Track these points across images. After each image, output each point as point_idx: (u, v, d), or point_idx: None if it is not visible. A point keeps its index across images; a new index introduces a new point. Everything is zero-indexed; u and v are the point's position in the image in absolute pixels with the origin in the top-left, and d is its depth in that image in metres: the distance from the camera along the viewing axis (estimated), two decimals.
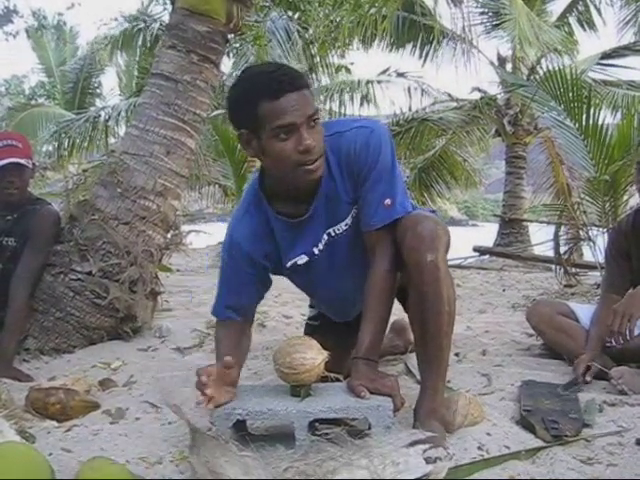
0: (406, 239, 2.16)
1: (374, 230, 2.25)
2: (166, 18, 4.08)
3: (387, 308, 2.30)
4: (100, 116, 13.16)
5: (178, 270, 8.28)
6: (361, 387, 2.07)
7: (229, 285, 2.41)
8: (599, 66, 12.74)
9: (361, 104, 14.36)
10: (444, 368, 2.21)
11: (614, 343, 2.84)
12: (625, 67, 12.80)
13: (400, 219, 2.24)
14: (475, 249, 10.96)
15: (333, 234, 2.32)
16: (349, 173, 2.24)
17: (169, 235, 3.90)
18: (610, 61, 12.83)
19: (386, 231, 2.24)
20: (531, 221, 12.98)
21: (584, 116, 6.14)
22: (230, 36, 4.08)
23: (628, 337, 2.75)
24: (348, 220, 2.31)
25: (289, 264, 2.39)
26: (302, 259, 2.37)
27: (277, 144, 2.07)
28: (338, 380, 2.12)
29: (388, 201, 2.22)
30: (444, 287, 2.14)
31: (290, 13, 11.03)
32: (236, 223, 2.37)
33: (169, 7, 4.00)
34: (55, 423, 2.36)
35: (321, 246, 2.34)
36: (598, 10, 13.81)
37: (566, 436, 2.10)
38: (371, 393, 2.07)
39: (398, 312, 2.74)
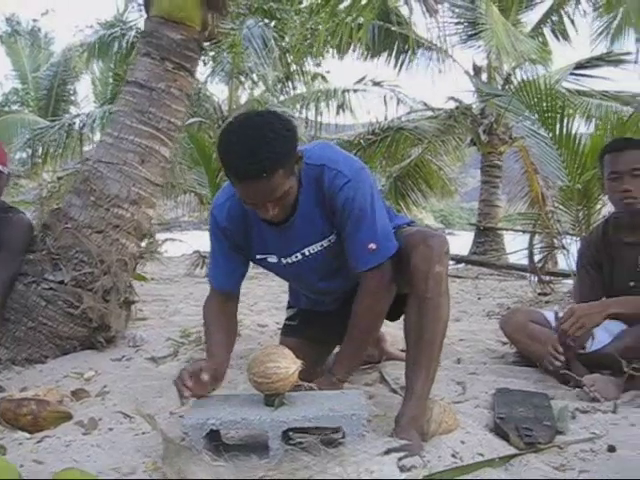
0: (418, 249, 2.27)
1: (359, 271, 2.36)
2: (142, 25, 4.06)
3: (369, 335, 2.50)
4: (75, 123, 13.12)
5: (153, 279, 8.22)
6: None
7: (216, 257, 2.52)
8: (573, 76, 12.90)
9: (337, 112, 14.44)
10: (431, 378, 2.26)
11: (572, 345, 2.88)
12: (598, 77, 12.96)
13: (411, 234, 2.39)
14: (451, 257, 10.98)
15: (307, 253, 2.42)
16: (326, 207, 2.32)
17: (143, 244, 3.88)
18: (584, 71, 12.98)
19: (373, 271, 2.34)
20: (506, 230, 13.06)
21: (558, 126, 6.19)
22: (205, 44, 4.07)
23: (575, 343, 2.79)
24: (324, 242, 2.40)
25: (258, 257, 2.50)
26: (272, 258, 2.49)
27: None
28: (312, 389, 2.13)
29: (373, 246, 2.30)
30: (444, 299, 2.27)
31: (266, 21, 11.04)
32: (218, 204, 2.45)
33: (145, 14, 3.97)
34: (26, 434, 2.33)
35: (291, 260, 2.45)
36: (572, 21, 14.01)
37: (539, 443, 2.11)
38: None
39: None
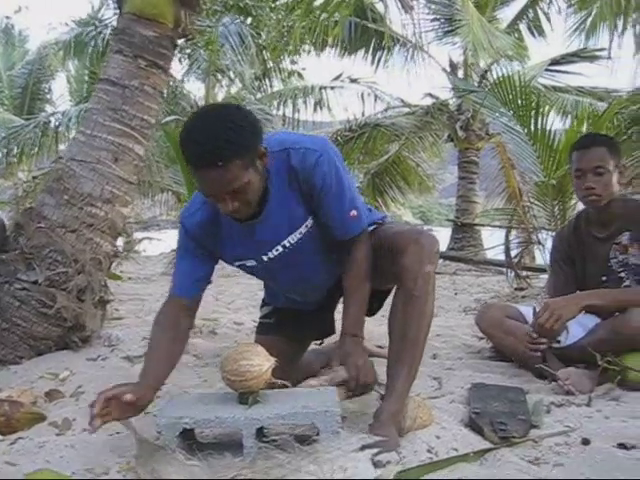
0: (410, 248, 2.28)
1: (348, 239, 2.40)
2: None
3: (367, 287, 2.42)
4: (50, 122, 12.99)
5: (130, 278, 8.19)
6: (356, 370, 2.24)
7: (180, 267, 2.45)
8: (548, 72, 12.94)
9: (315, 110, 14.42)
10: (413, 375, 2.27)
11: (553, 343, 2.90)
12: (574, 73, 13.04)
13: (401, 232, 2.40)
14: None
15: (287, 244, 2.38)
16: (300, 189, 2.29)
17: (118, 242, 3.85)
18: (559, 67, 13.04)
19: (360, 236, 2.41)
20: (483, 225, 13.12)
21: (533, 121, 6.23)
22: (180, 41, 4.05)
23: (552, 335, 2.81)
24: (302, 229, 2.36)
25: (237, 263, 2.47)
26: (250, 262, 2.44)
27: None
28: (285, 386, 2.12)
29: (354, 212, 2.35)
30: (431, 298, 2.29)
31: (242, 18, 11.00)
32: (189, 215, 2.41)
33: (118, 11, 3.94)
34: None
35: (272, 255, 2.40)
36: (547, 17, 14.05)
37: (514, 437, 2.12)
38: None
39: None
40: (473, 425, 2.26)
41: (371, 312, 2.73)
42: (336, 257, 2.47)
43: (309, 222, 2.36)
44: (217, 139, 2.00)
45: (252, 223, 2.30)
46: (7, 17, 22.44)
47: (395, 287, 2.38)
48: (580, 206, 3.32)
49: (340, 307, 2.53)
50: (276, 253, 2.39)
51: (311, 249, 2.42)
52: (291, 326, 2.80)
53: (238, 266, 2.49)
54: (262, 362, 2.02)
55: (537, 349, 2.85)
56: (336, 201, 2.31)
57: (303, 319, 2.78)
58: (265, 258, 2.41)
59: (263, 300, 3.01)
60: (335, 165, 2.29)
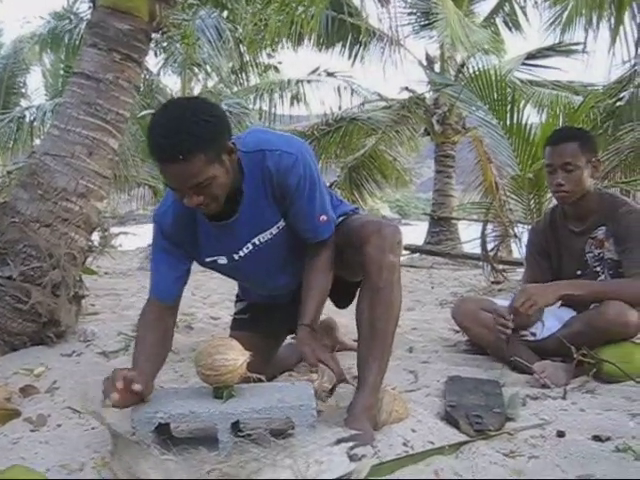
0: (372, 239, 2.27)
1: (315, 242, 2.41)
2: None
3: (328, 280, 2.43)
4: (25, 116, 12.87)
5: (106, 273, 8.15)
6: (313, 355, 2.24)
7: (158, 268, 2.42)
8: (525, 66, 13.03)
9: (291, 104, 14.40)
10: (384, 367, 2.28)
11: (529, 336, 2.92)
12: (550, 67, 13.13)
13: (364, 224, 2.38)
14: (405, 247, 11.05)
15: (258, 242, 2.38)
16: (273, 191, 2.28)
17: (93, 237, 3.82)
18: (535, 61, 13.13)
19: (326, 240, 2.42)
20: (459, 219, 13.18)
21: (508, 115, 6.26)
22: (156, 35, 4.02)
23: (526, 320, 2.84)
24: (274, 230, 2.37)
25: (208, 260, 2.45)
26: (222, 260, 2.44)
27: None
28: (260, 380, 2.12)
29: (324, 217, 2.36)
30: (397, 289, 2.28)
31: (217, 12, 10.95)
32: (161, 212, 2.39)
33: (92, 5, 3.91)
34: None
35: (242, 253, 2.40)
36: (524, 11, 14.12)
37: (489, 430, 2.14)
38: (318, 361, 2.23)
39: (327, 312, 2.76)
40: (449, 418, 2.27)
41: (343, 304, 2.77)
42: (303, 259, 2.47)
43: (281, 223, 2.37)
44: (179, 132, 1.98)
45: (225, 223, 2.30)
46: None
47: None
48: (555, 200, 3.34)
49: None
50: (246, 251, 2.39)
51: (280, 248, 2.43)
52: (265, 321, 2.80)
53: (209, 263, 2.46)
54: (237, 356, 2.02)
55: (504, 332, 2.85)
56: (308, 204, 2.31)
57: (276, 314, 2.77)
58: (236, 256, 2.41)
59: (237, 296, 3.00)
60: (310, 169, 2.27)
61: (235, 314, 2.97)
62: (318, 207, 2.33)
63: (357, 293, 2.38)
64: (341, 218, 2.53)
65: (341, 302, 2.78)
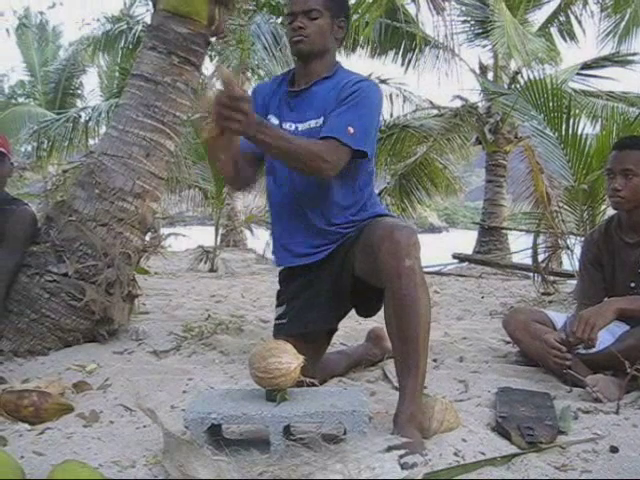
0: (384, 246, 2.25)
1: (329, 136, 2.45)
2: (149, 19, 4.04)
3: (311, 147, 2.48)
4: (80, 117, 13.06)
5: (156, 273, 8.23)
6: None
7: None
8: (579, 76, 12.82)
9: None
10: (422, 374, 2.24)
11: (581, 350, 2.87)
12: (605, 78, 12.89)
13: (377, 228, 2.37)
14: (454, 256, 10.99)
15: (299, 129, 2.64)
16: (337, 92, 2.59)
17: (147, 237, 3.87)
18: (590, 72, 12.91)
19: (335, 142, 2.45)
20: (510, 229, 13.02)
21: (564, 126, 6.17)
22: (212, 39, 4.06)
23: (589, 344, 2.78)
24: (312, 122, 2.63)
25: (269, 115, 2.76)
26: (274, 120, 2.71)
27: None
28: (314, 385, 2.12)
29: (351, 129, 2.46)
30: (421, 292, 2.23)
31: (274, 17, 11.02)
32: (262, 83, 2.91)
33: (152, 8, 3.97)
34: (27, 426, 2.33)
35: (286, 127, 2.66)
36: (579, 21, 13.92)
37: (541, 443, 2.11)
38: None
39: (373, 321, 2.75)
40: (500, 429, 2.25)
41: (372, 312, 2.80)
42: (331, 198, 2.60)
43: (320, 121, 2.58)
44: None
45: (297, 92, 2.71)
46: (41, 13, 22.70)
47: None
48: (610, 211, 3.29)
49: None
50: (288, 128, 2.64)
51: None
52: (303, 323, 2.76)
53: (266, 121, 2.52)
54: (291, 360, 2.02)
55: (563, 364, 2.83)
56: (346, 109, 2.51)
57: (313, 313, 2.74)
58: (283, 126, 2.65)
59: (277, 297, 2.97)
60: (370, 97, 2.58)
61: (275, 319, 2.95)
62: (353, 119, 2.48)
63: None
64: (370, 219, 2.55)
65: (369, 310, 2.80)
